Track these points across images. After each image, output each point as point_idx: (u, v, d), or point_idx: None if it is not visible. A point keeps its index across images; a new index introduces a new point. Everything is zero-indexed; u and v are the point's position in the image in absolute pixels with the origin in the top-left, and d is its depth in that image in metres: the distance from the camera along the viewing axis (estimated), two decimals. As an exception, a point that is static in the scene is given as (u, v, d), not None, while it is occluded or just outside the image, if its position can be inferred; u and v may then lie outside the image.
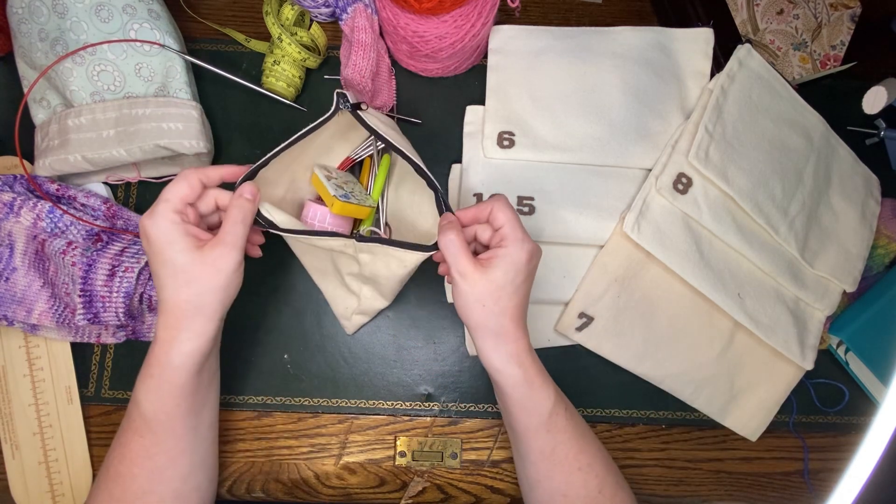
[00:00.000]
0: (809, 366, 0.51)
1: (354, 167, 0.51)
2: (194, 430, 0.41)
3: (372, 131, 0.42)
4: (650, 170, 0.51)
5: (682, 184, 0.50)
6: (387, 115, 0.54)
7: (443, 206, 0.41)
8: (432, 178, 0.42)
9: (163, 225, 0.37)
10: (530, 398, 0.40)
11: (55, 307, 0.47)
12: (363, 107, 0.43)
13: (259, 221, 0.41)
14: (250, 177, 0.41)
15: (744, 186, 0.51)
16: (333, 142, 0.50)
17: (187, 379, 0.38)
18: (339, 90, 0.43)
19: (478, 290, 0.38)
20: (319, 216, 0.47)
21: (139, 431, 0.39)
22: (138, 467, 0.39)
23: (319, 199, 0.47)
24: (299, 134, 0.42)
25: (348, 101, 0.42)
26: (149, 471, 0.39)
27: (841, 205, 0.55)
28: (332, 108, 0.42)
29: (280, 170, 0.46)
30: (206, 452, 0.43)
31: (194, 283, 0.37)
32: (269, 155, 0.42)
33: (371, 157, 0.50)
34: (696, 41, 0.54)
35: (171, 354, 0.37)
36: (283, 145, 0.42)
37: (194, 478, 0.42)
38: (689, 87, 0.54)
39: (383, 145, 0.49)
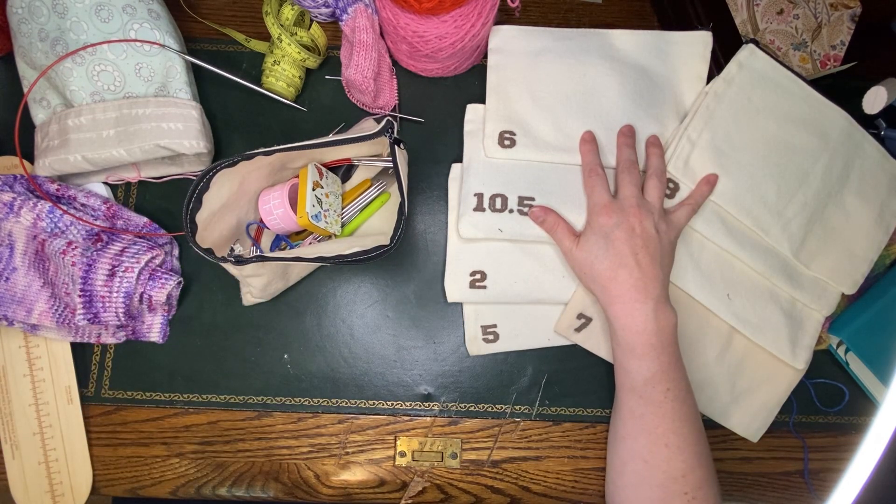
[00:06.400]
0: (801, 365, 0.51)
1: (349, 169, 0.52)
2: None
3: (395, 168, 0.44)
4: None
5: (670, 189, 0.51)
6: (389, 114, 0.54)
7: (400, 231, 0.43)
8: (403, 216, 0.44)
9: None
10: (627, 362, 0.45)
11: (55, 307, 0.47)
12: (401, 145, 0.45)
13: (246, 258, 0.42)
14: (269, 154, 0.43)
15: (728, 191, 0.51)
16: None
17: None
18: (389, 118, 0.45)
19: (579, 259, 0.47)
20: (274, 206, 0.46)
21: None
22: None
23: (280, 187, 0.47)
24: (335, 139, 0.44)
25: (393, 133, 0.44)
26: None
27: (855, 204, 0.53)
28: (377, 131, 0.44)
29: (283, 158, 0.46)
30: None
31: None
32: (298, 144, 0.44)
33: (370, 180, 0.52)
34: (695, 45, 0.54)
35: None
36: (316, 142, 0.44)
37: None
38: (686, 92, 0.54)
39: (385, 184, 0.52)
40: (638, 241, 0.45)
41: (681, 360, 0.46)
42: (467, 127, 0.53)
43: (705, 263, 0.51)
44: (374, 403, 0.52)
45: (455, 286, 0.51)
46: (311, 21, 0.55)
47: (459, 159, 0.54)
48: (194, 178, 0.52)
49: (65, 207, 0.47)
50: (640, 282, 0.44)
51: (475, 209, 0.50)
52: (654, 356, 0.44)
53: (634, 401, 0.45)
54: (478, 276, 0.51)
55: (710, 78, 0.54)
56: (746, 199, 0.51)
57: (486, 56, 0.54)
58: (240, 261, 0.42)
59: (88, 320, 0.45)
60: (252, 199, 0.47)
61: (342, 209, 0.50)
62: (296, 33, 0.52)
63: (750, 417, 0.52)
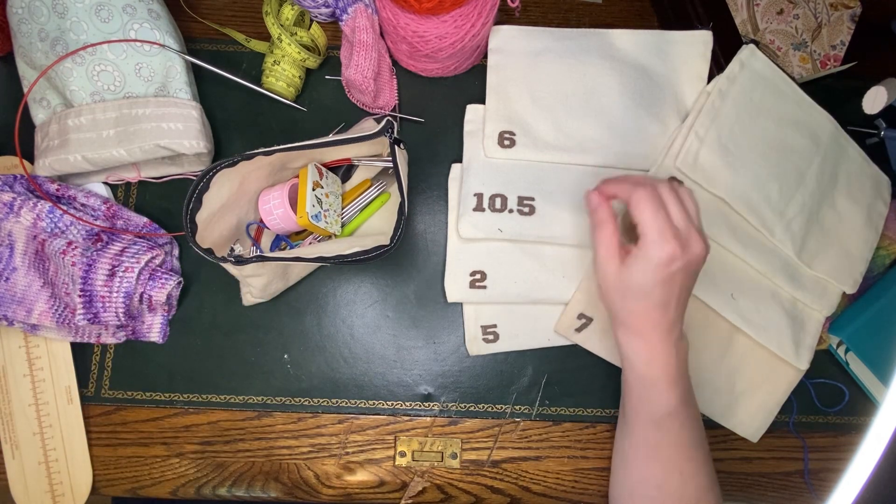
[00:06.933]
0: (804, 365, 0.51)
1: (349, 169, 0.52)
2: None
3: (395, 168, 0.44)
4: (648, 171, 0.51)
5: None
6: (389, 114, 0.54)
7: (400, 231, 0.43)
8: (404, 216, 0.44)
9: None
10: (647, 394, 0.43)
11: (55, 307, 0.47)
12: (401, 145, 0.45)
13: (246, 258, 0.42)
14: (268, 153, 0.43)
15: (736, 189, 0.51)
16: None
17: None
18: (389, 118, 0.45)
19: (610, 282, 0.41)
20: (274, 206, 0.46)
21: None
22: None
23: (280, 187, 0.47)
24: (335, 139, 0.44)
25: (393, 133, 0.44)
26: None
27: (846, 206, 0.54)
28: (377, 131, 0.44)
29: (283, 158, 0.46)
30: None
31: None
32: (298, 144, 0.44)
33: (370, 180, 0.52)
34: (695, 44, 0.54)
35: None
36: (316, 142, 0.44)
37: None
38: (686, 91, 0.54)
39: (385, 184, 0.52)
40: (689, 283, 0.42)
41: (690, 382, 0.45)
42: (467, 127, 0.53)
43: (709, 264, 0.51)
44: (374, 403, 0.52)
45: (455, 286, 0.51)
46: (311, 21, 0.55)
47: (459, 159, 0.54)
48: (194, 178, 0.52)
49: (65, 207, 0.47)
50: (669, 321, 0.42)
51: (475, 209, 0.50)
52: (675, 385, 0.43)
53: (651, 430, 0.44)
54: (478, 276, 0.51)
55: (710, 78, 0.54)
56: (753, 197, 0.51)
57: (486, 56, 0.54)
58: (240, 261, 0.42)
59: (88, 320, 0.45)
60: (252, 199, 0.47)
61: (342, 209, 0.50)
62: (296, 33, 0.52)
63: (750, 417, 0.52)
